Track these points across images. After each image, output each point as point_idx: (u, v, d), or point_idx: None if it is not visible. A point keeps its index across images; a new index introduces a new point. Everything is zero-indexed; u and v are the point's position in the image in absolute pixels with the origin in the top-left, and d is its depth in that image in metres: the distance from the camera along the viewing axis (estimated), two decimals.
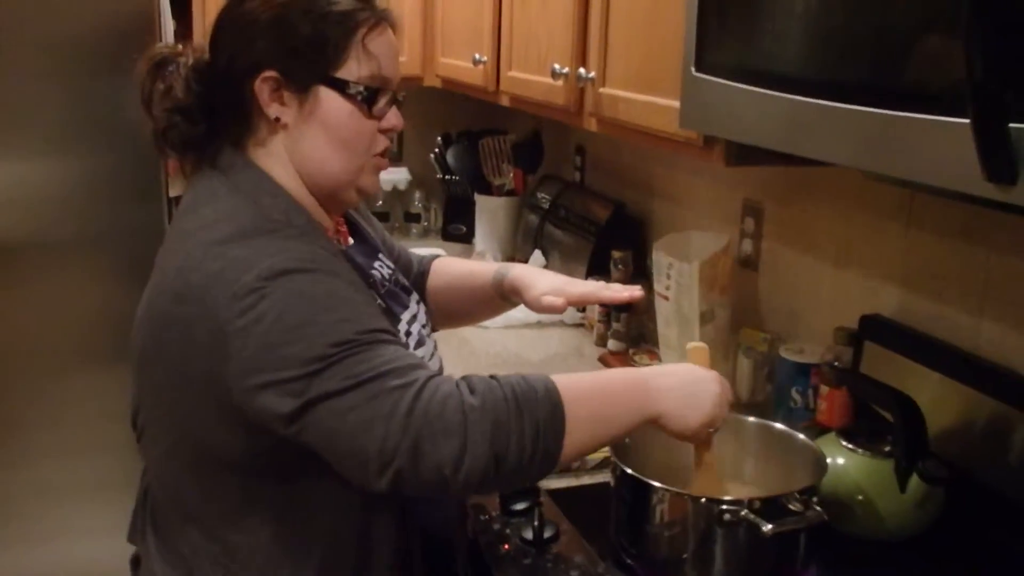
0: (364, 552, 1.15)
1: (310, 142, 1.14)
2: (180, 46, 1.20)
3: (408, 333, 1.23)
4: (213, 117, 1.16)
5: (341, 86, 1.13)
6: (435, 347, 1.31)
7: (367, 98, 1.14)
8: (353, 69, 1.13)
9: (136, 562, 1.25)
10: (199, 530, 1.13)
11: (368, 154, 1.17)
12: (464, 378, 1.03)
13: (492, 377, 1.03)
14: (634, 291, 1.33)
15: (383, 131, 1.18)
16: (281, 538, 1.12)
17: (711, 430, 1.15)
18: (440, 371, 1.28)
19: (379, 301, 1.20)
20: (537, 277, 1.39)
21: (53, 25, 2.25)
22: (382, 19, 1.16)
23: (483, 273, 1.45)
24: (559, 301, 1.33)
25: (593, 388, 1.08)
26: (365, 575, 1.15)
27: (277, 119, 1.13)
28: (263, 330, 1.00)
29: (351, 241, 1.29)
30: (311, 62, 1.12)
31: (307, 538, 1.13)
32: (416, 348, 1.23)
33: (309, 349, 0.99)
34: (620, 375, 1.14)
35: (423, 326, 1.30)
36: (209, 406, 1.06)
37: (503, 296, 1.42)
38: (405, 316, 1.25)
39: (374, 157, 1.18)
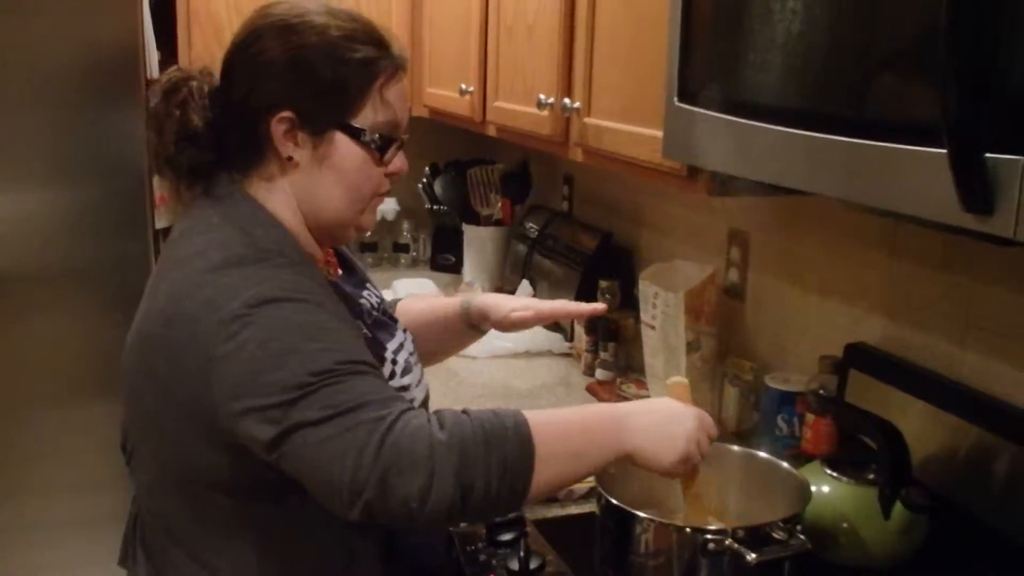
0: None
1: (319, 183, 1.16)
2: (189, 70, 1.20)
3: (394, 362, 1.24)
4: (222, 146, 1.17)
5: (356, 133, 1.15)
6: (422, 374, 1.31)
7: (380, 146, 1.16)
8: (369, 117, 1.15)
9: None
10: (186, 554, 1.14)
11: (372, 197, 1.20)
12: (436, 412, 1.03)
13: (464, 411, 1.03)
14: (597, 305, 1.42)
15: (388, 175, 1.20)
16: (266, 562, 1.12)
17: (693, 464, 1.14)
18: (426, 398, 1.29)
19: (365, 331, 1.21)
20: (503, 299, 1.45)
21: (35, 57, 2.24)
22: (399, 68, 1.19)
23: (448, 306, 1.48)
24: (528, 314, 1.39)
25: (566, 425, 1.08)
26: None
27: (289, 158, 1.15)
28: (246, 357, 1.01)
29: (340, 272, 1.30)
30: (329, 107, 1.14)
31: (292, 562, 1.13)
32: (403, 376, 1.24)
33: (291, 377, 1.00)
34: (595, 412, 1.13)
35: (410, 354, 1.30)
36: (196, 429, 1.07)
37: (471, 324, 1.46)
38: (391, 345, 1.26)
39: (376, 198, 1.21)
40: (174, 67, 1.21)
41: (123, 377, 1.16)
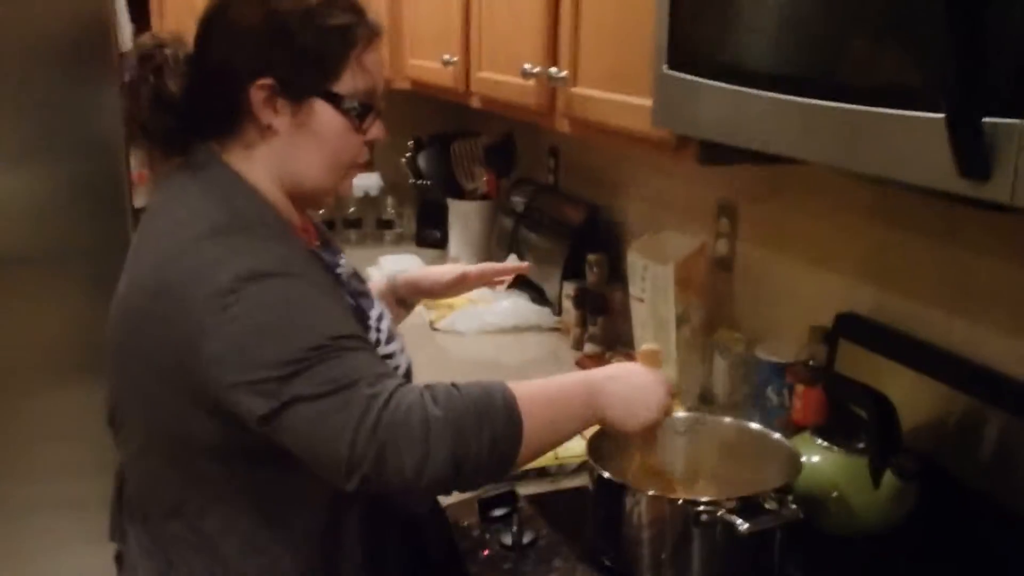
0: (338, 545, 1.17)
1: (298, 151, 1.16)
2: (163, 36, 1.19)
3: (378, 330, 1.25)
4: (198, 114, 1.16)
5: (336, 100, 1.15)
6: (403, 344, 1.32)
7: (360, 113, 1.16)
8: (348, 84, 1.15)
9: (119, 559, 1.25)
10: (178, 521, 1.14)
11: (352, 165, 1.20)
12: (428, 387, 1.05)
13: (453, 386, 1.06)
14: (521, 264, 1.58)
15: (367, 142, 1.20)
16: (258, 528, 1.13)
17: (657, 427, 1.18)
18: (409, 369, 1.29)
19: (349, 300, 1.21)
20: (429, 268, 1.54)
21: (3, 35, 2.18)
22: (377, 34, 1.18)
23: (374, 286, 1.47)
24: (457, 275, 1.50)
25: (547, 396, 1.11)
26: (340, 567, 1.17)
27: (268, 125, 1.14)
28: (237, 331, 1.01)
29: (317, 242, 1.29)
30: (309, 74, 1.14)
31: (283, 528, 1.14)
32: (386, 344, 1.25)
33: (284, 352, 1.01)
34: (572, 382, 1.15)
35: (390, 322, 1.32)
36: (182, 396, 1.07)
37: (399, 300, 1.52)
38: (374, 313, 1.27)
39: (355, 166, 1.21)
40: (147, 33, 1.21)
41: (108, 350, 1.16)
